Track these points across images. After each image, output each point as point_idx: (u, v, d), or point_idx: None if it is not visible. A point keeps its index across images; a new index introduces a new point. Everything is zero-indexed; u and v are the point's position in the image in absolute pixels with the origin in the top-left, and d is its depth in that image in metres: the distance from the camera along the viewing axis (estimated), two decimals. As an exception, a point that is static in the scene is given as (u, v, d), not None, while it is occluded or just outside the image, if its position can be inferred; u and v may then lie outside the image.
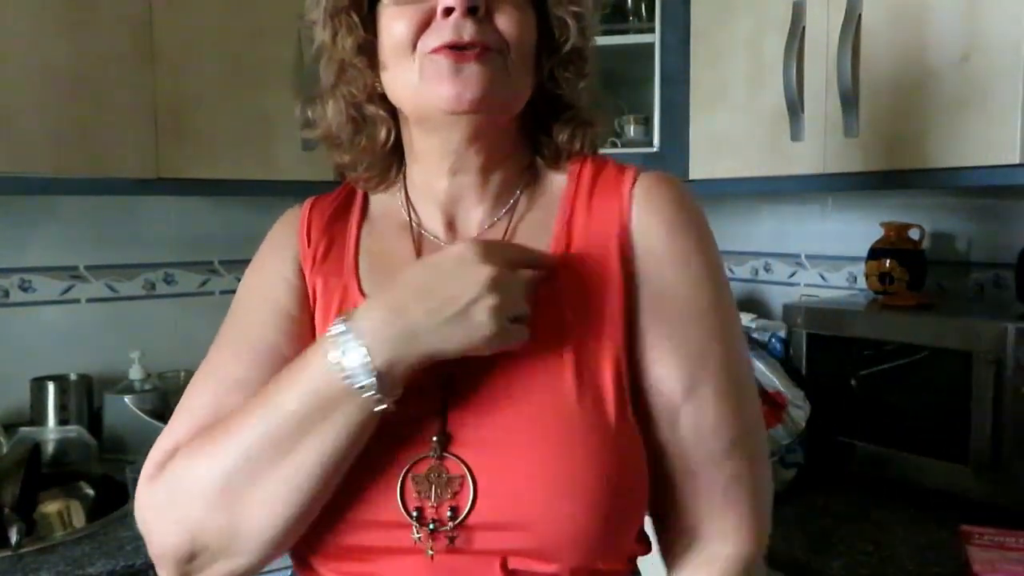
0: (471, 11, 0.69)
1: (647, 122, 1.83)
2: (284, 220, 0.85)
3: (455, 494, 0.65)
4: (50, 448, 1.58)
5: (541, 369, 0.69)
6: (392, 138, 0.79)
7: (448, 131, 0.74)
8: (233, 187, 1.68)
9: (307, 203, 0.86)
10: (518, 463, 0.65)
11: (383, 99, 0.77)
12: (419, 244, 0.79)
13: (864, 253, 1.76)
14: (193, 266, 1.97)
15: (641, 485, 0.70)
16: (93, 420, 1.71)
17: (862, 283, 1.80)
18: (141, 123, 1.51)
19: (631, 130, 1.85)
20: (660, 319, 0.71)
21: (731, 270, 2.14)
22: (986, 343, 1.32)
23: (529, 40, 0.73)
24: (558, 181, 0.80)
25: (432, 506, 0.65)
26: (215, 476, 0.65)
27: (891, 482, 1.46)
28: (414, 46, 0.71)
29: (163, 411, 1.71)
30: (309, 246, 0.80)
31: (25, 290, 1.78)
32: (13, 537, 1.22)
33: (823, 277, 1.94)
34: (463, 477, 0.66)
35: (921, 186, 1.43)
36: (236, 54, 1.61)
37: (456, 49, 0.69)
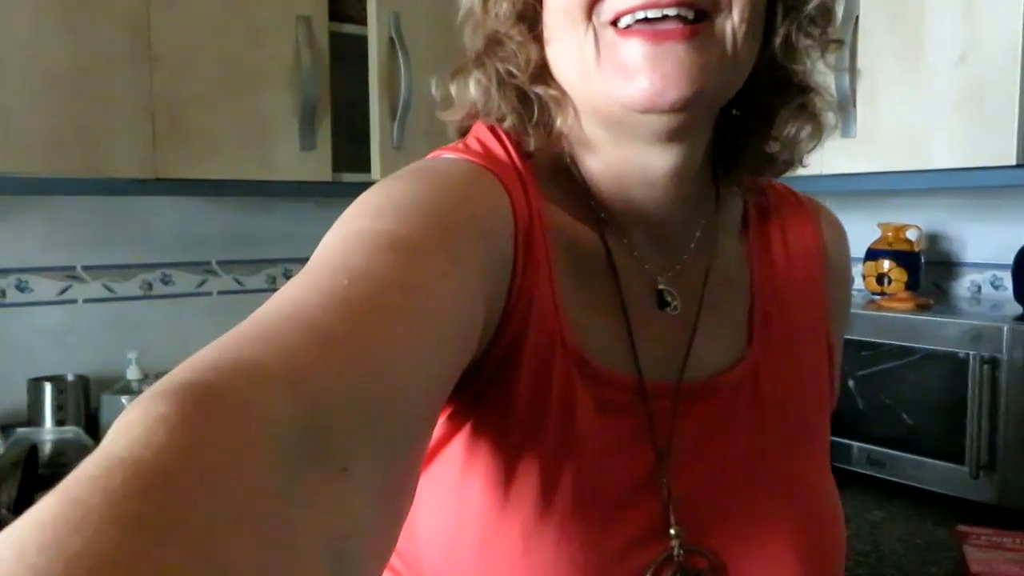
0: None
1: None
2: (487, 192, 0.51)
3: None
4: (47, 449, 1.57)
5: (767, 427, 0.58)
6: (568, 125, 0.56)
7: (634, 129, 0.52)
8: (231, 187, 1.68)
9: (501, 173, 0.53)
10: (759, 542, 0.57)
11: (553, 75, 0.55)
12: (609, 258, 0.56)
13: (861, 254, 1.76)
14: (190, 266, 1.97)
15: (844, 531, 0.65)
16: (90, 421, 1.71)
17: (859, 284, 1.80)
18: (139, 123, 1.51)
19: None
20: (839, 345, 0.68)
21: (729, 270, 2.15)
22: (983, 344, 1.32)
23: None
24: (734, 195, 0.63)
25: None
26: None
27: (888, 483, 1.46)
28: (589, 13, 0.50)
29: (160, 412, 1.71)
30: (518, 260, 0.50)
31: (22, 290, 1.78)
32: (10, 538, 1.22)
33: (820, 277, 1.94)
34: (713, 570, 0.55)
35: (918, 187, 1.43)
36: (234, 55, 1.61)
37: (652, 21, 0.47)
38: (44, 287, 1.80)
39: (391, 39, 1.67)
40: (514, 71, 0.54)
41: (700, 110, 0.51)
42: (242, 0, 1.61)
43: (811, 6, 0.53)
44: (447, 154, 0.55)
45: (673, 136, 0.52)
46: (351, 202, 0.53)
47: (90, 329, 1.84)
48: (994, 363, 1.31)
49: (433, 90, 0.60)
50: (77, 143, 1.42)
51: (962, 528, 1.23)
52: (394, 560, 0.55)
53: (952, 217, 1.70)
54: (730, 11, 0.48)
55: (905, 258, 1.67)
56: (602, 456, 0.53)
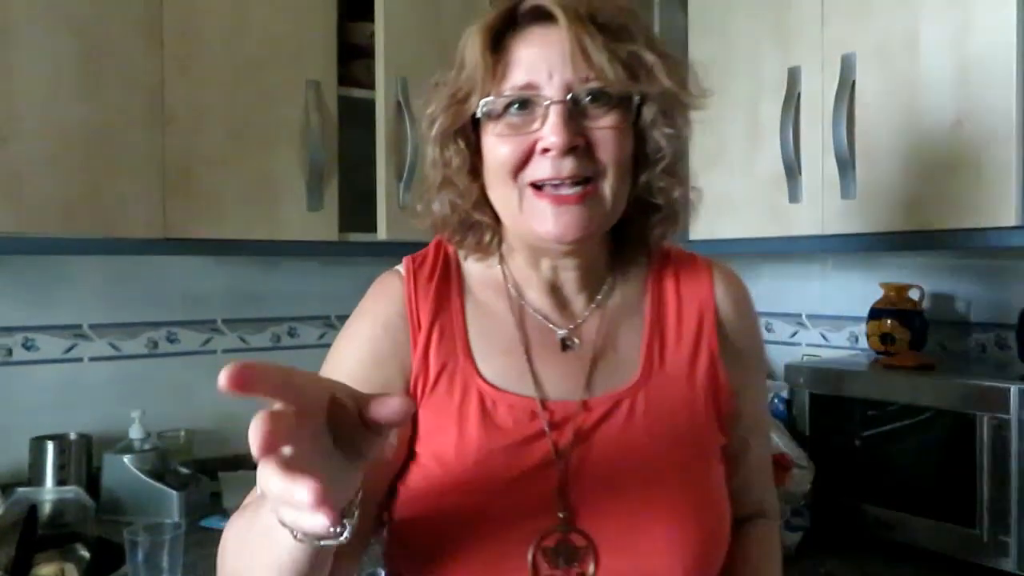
0: (570, 149, 0.74)
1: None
2: (384, 294, 0.85)
3: (580, 562, 0.75)
4: (47, 509, 1.56)
5: (651, 442, 0.79)
6: (498, 238, 0.85)
7: (546, 248, 0.81)
8: (239, 247, 1.69)
9: (407, 275, 0.85)
10: (635, 532, 0.75)
11: (489, 204, 0.82)
12: (522, 322, 0.84)
13: (865, 313, 1.76)
14: (196, 325, 1.97)
15: (727, 533, 0.82)
16: (92, 480, 1.69)
17: (864, 343, 1.80)
18: (150, 184, 1.53)
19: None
20: (745, 377, 0.87)
21: (733, 330, 2.15)
22: (989, 404, 1.31)
23: (627, 160, 0.78)
24: (638, 265, 0.88)
25: (560, 574, 0.74)
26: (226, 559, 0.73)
27: (900, 546, 1.44)
28: (515, 176, 0.77)
29: (162, 471, 1.70)
30: (420, 328, 0.82)
31: (28, 348, 1.78)
32: (6, 601, 1.20)
33: (824, 337, 1.94)
34: (587, 547, 0.75)
35: (919, 247, 1.45)
36: (245, 117, 1.64)
37: (556, 186, 0.75)
38: (50, 345, 1.81)
39: (398, 103, 1.71)
40: (460, 203, 0.82)
41: (590, 241, 0.80)
42: (254, 65, 1.65)
43: (661, 166, 0.81)
44: (399, 267, 0.86)
45: (572, 253, 0.81)
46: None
47: (95, 387, 1.84)
48: (1002, 424, 1.30)
49: (417, 206, 0.87)
50: (89, 204, 1.45)
51: (975, 594, 1.20)
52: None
53: (955, 277, 1.70)
54: (606, 176, 0.76)
55: (908, 317, 1.67)
56: (513, 451, 0.77)
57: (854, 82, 1.44)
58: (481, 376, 0.80)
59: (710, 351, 0.84)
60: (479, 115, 0.78)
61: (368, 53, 1.75)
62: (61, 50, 1.40)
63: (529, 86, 0.76)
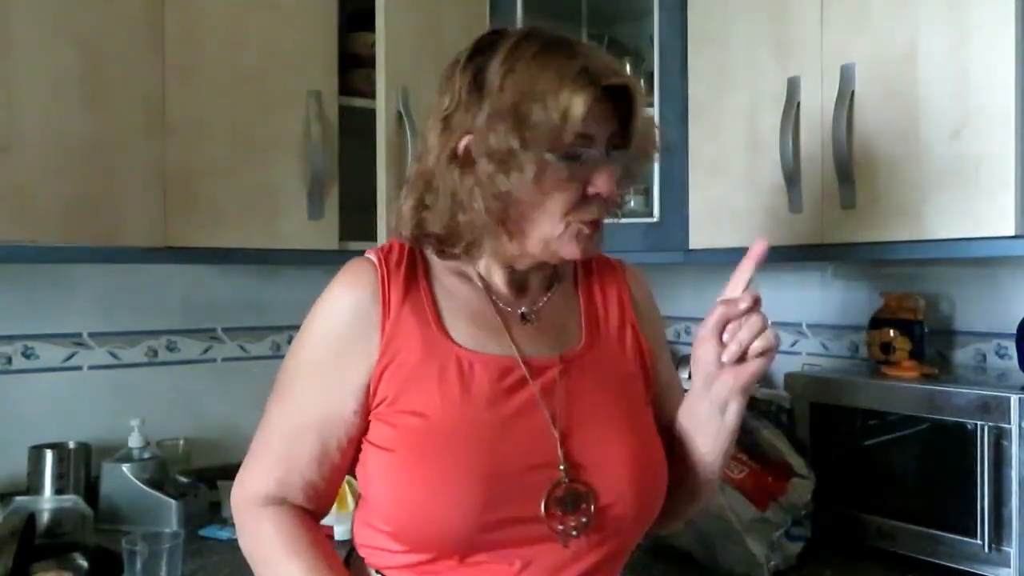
0: None
1: (647, 193, 1.86)
2: (356, 279, 0.94)
3: (584, 506, 0.89)
4: (45, 518, 1.55)
5: (620, 411, 0.97)
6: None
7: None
8: (240, 255, 1.70)
9: (379, 262, 0.95)
10: (622, 479, 0.92)
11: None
12: (490, 298, 0.99)
13: (865, 322, 1.76)
14: (196, 333, 1.98)
15: (664, 459, 0.99)
16: (90, 489, 1.69)
17: (864, 352, 1.80)
18: (151, 193, 1.54)
19: (631, 200, 1.88)
20: (660, 348, 1.10)
21: (733, 339, 2.14)
22: (990, 414, 1.31)
23: None
24: (566, 268, 1.08)
25: (570, 517, 0.89)
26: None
27: (901, 556, 1.43)
28: (567, 214, 0.91)
29: (161, 480, 1.69)
30: (390, 307, 0.93)
31: (28, 357, 1.78)
32: (3, 610, 1.19)
33: (825, 346, 1.94)
34: (588, 494, 0.90)
35: (918, 256, 1.45)
36: (245, 127, 1.65)
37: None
38: (50, 353, 1.81)
39: (399, 112, 1.71)
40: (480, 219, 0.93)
41: None
42: (255, 75, 1.66)
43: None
44: (370, 255, 0.98)
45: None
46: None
47: (94, 396, 1.84)
48: (1003, 433, 1.29)
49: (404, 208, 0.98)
50: (91, 213, 1.45)
51: (977, 604, 1.20)
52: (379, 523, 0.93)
53: (955, 286, 1.70)
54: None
55: (908, 327, 1.67)
56: (493, 404, 0.91)
57: (853, 92, 1.45)
58: (455, 342, 0.92)
59: (632, 325, 1.05)
60: (563, 153, 0.87)
61: (369, 63, 1.76)
62: (63, 60, 1.41)
63: (588, 138, 0.89)
